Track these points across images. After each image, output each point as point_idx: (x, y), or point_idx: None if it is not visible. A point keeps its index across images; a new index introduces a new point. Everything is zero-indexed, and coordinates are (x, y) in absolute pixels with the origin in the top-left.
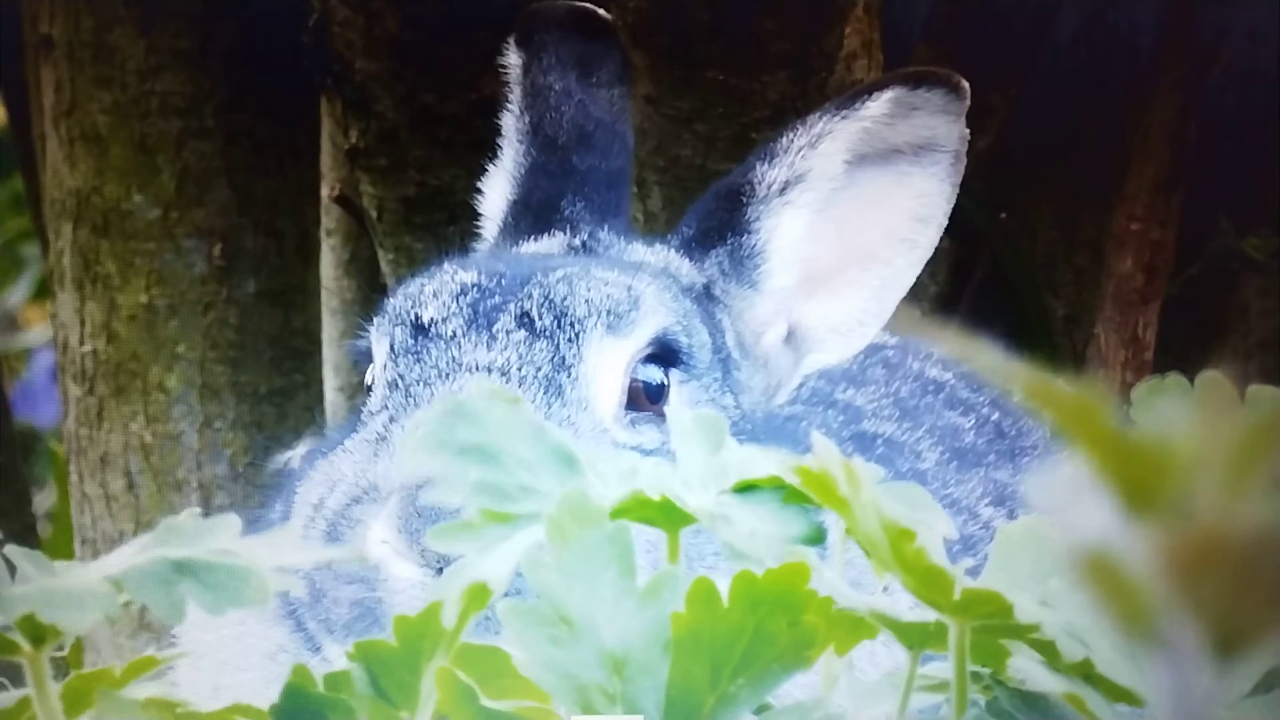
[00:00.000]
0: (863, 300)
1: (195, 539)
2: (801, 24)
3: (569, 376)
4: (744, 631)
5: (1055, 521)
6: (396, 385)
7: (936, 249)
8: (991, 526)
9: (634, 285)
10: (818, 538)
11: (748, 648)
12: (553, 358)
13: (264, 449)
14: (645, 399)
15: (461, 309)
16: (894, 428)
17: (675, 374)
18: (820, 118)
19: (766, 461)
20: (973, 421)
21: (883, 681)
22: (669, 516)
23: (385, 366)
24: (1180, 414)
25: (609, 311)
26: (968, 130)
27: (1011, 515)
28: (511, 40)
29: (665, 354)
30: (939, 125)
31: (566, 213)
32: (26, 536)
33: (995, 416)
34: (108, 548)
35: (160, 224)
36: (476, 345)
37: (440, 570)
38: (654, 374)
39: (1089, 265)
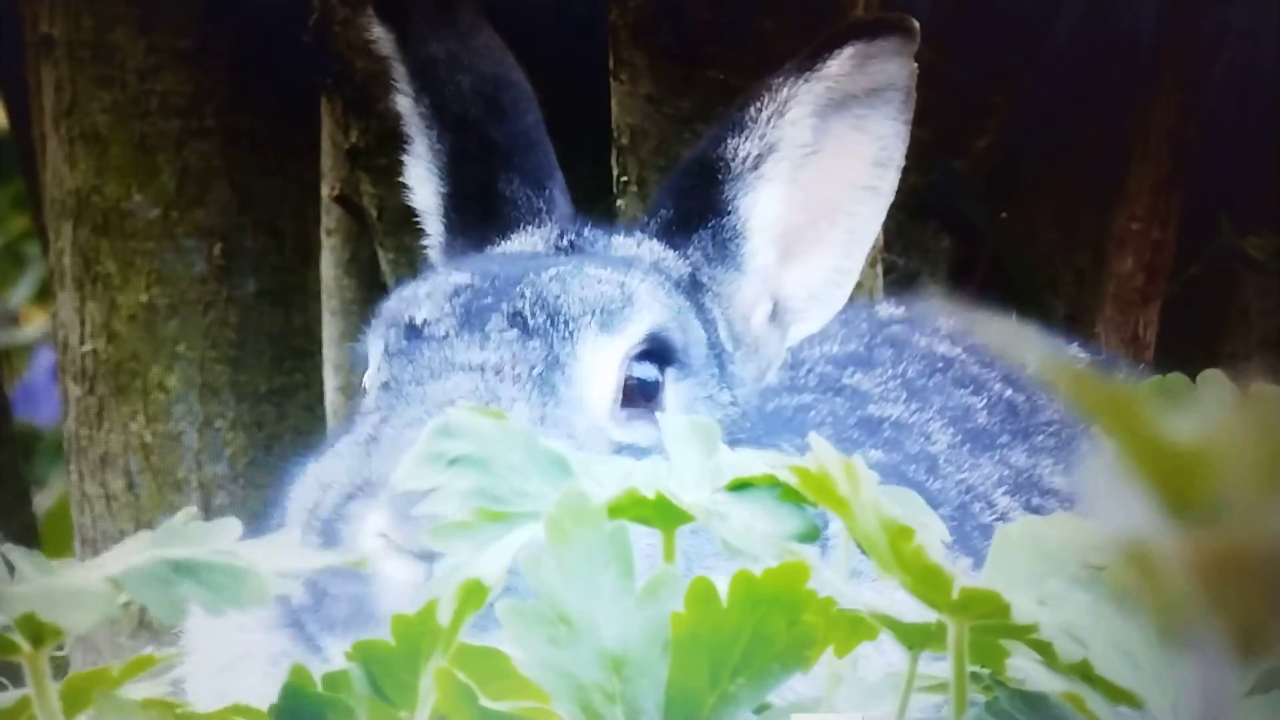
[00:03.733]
0: (834, 258)
1: (195, 544)
2: (802, 23)
3: (563, 375)
4: (743, 631)
5: (1098, 511)
6: (389, 386)
7: (936, 249)
8: (1009, 517)
9: (627, 282)
10: (813, 535)
11: (747, 647)
12: (546, 356)
13: (264, 448)
14: (640, 396)
15: (455, 310)
16: (901, 410)
17: (671, 372)
18: (784, 83)
19: (761, 463)
20: (984, 400)
21: (883, 682)
22: (664, 514)
23: (379, 368)
24: (1214, 415)
25: (602, 309)
26: (916, 65)
27: (1028, 505)
28: (371, 14)
29: (659, 351)
30: (891, 67)
31: (506, 194)
32: (26, 536)
33: (1008, 393)
34: (108, 548)
35: (160, 223)
36: (469, 345)
37: (433, 562)
38: (649, 371)
39: (1089, 265)
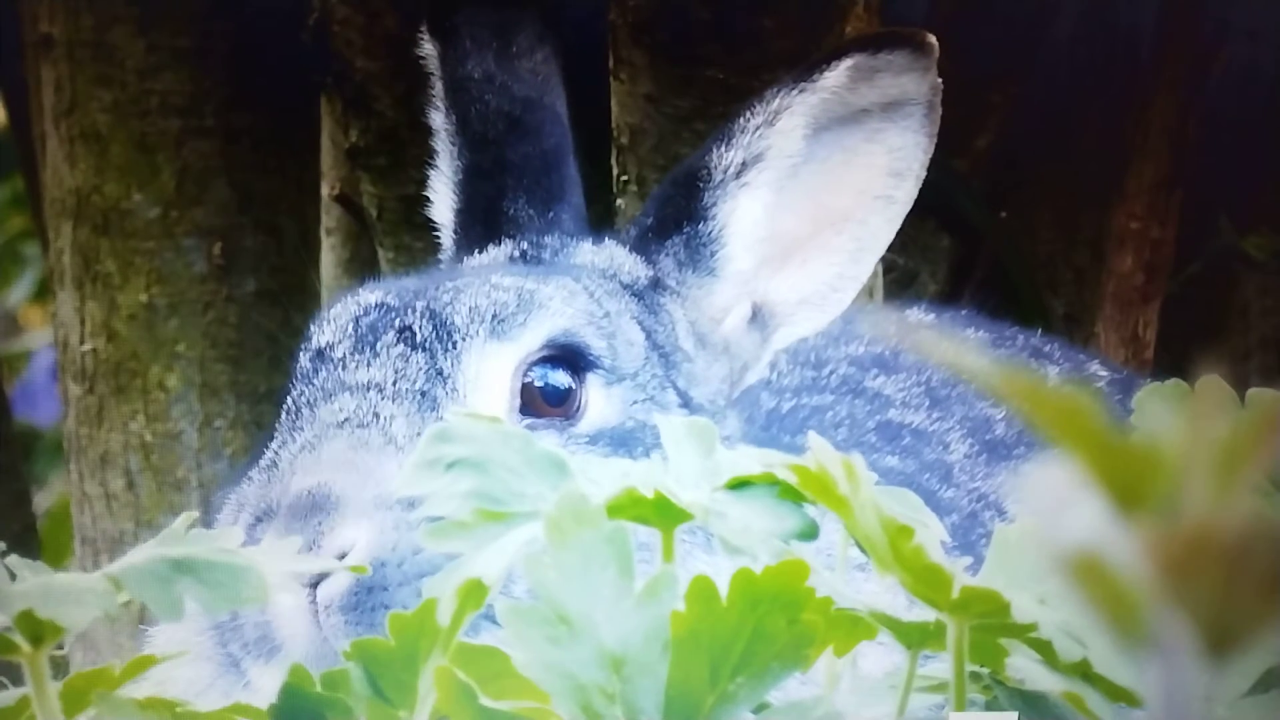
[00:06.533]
0: (837, 265)
1: (195, 546)
2: (802, 23)
3: (445, 387)
4: (743, 630)
5: (1043, 524)
6: (289, 410)
7: (936, 248)
8: None
9: (526, 288)
10: (811, 533)
11: (747, 646)
12: (428, 369)
13: (262, 448)
14: (546, 403)
15: (359, 330)
16: (922, 417)
17: (595, 378)
18: (777, 93)
19: (759, 462)
20: (1004, 412)
21: (882, 681)
22: (663, 513)
23: (288, 393)
24: (1172, 415)
25: (493, 316)
26: (940, 80)
27: None
28: (424, 29)
29: (569, 357)
30: (906, 82)
31: (510, 212)
32: (26, 536)
33: None
34: (108, 547)
35: (160, 223)
36: (359, 365)
37: (315, 585)
38: (560, 378)
39: (1089, 264)
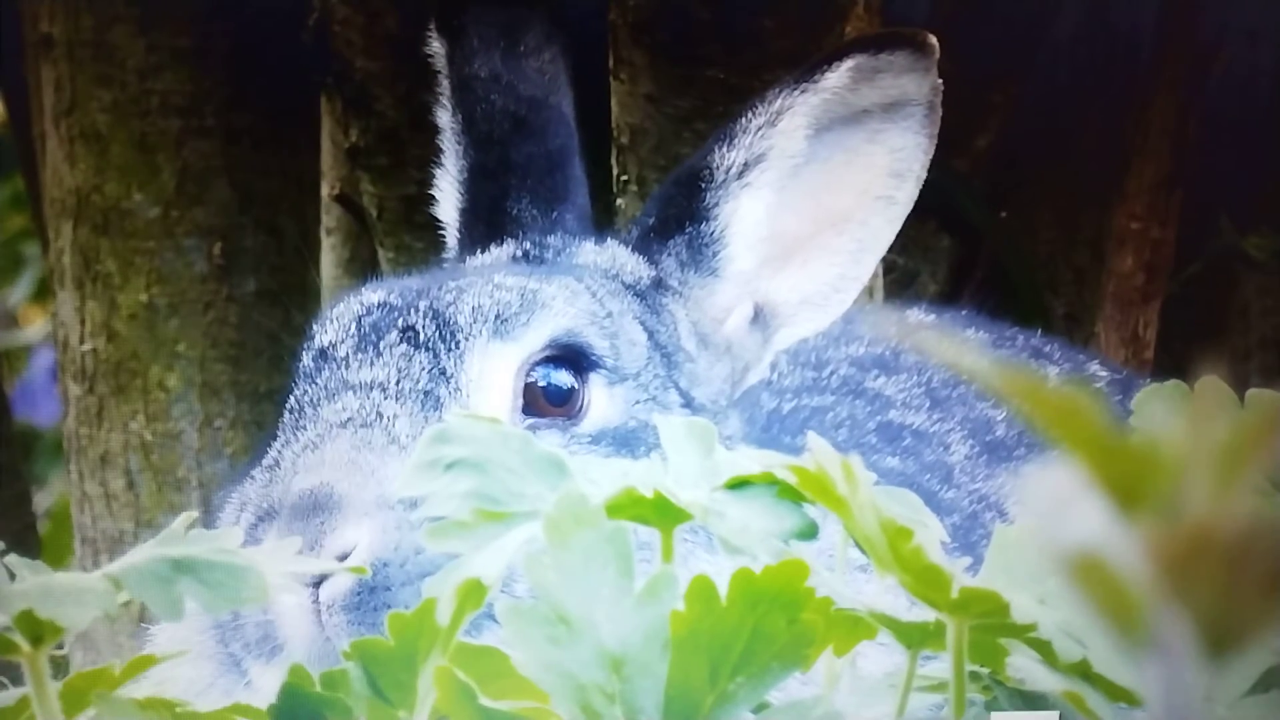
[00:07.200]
0: (838, 265)
1: (195, 546)
2: (802, 23)
3: (449, 386)
4: (743, 630)
5: (1044, 524)
6: (293, 409)
7: (936, 248)
8: None
9: (529, 287)
10: (810, 532)
11: (746, 646)
12: (432, 369)
13: (264, 447)
14: (549, 403)
15: (362, 329)
16: (923, 418)
17: (597, 377)
18: (779, 94)
19: (758, 462)
20: (1005, 413)
21: (882, 681)
22: (663, 513)
23: (291, 393)
24: (1172, 415)
25: (496, 316)
26: (940, 81)
27: None
28: (431, 27)
29: (572, 357)
30: (907, 83)
31: (514, 212)
32: (26, 536)
33: None
34: (108, 546)
35: (160, 223)
36: (362, 364)
37: (318, 584)
38: (563, 378)
39: (1089, 264)
